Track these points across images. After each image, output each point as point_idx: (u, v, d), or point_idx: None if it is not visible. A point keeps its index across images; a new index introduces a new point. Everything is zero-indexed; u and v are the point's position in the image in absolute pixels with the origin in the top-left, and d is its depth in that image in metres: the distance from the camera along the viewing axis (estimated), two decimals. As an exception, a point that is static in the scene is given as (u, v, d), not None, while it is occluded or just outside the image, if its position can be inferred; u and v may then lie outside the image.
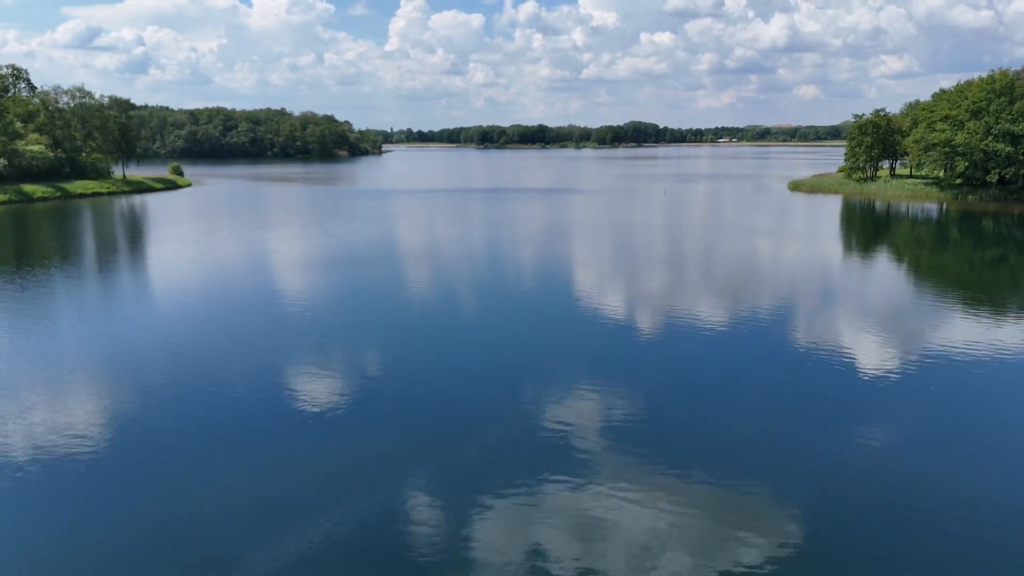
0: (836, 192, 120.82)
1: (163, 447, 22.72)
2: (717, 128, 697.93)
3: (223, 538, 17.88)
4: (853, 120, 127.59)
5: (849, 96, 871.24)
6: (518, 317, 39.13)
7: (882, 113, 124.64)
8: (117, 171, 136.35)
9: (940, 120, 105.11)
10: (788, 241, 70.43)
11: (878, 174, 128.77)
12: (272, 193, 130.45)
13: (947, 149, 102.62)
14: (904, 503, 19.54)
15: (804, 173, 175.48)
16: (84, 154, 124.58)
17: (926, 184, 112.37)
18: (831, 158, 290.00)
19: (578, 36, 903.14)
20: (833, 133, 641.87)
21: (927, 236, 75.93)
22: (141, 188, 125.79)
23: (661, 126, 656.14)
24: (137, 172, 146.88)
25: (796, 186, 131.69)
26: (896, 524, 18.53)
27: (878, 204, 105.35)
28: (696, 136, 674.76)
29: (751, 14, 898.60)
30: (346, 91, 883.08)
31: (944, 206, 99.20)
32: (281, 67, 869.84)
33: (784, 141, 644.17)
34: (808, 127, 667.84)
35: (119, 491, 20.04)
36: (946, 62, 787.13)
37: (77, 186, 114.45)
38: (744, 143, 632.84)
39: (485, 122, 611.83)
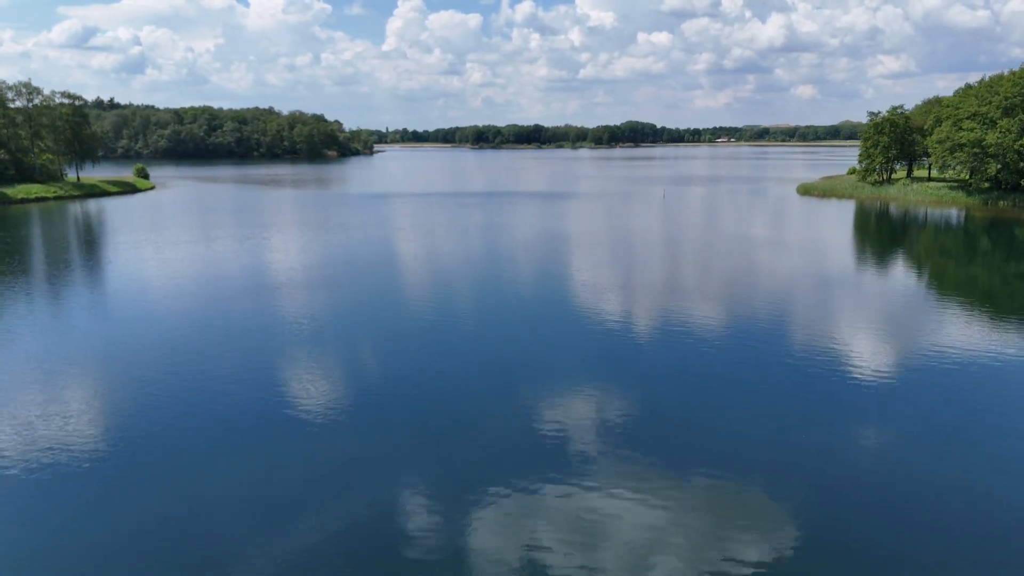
0: (850, 196, 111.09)
1: (161, 449, 22.73)
2: (715, 128, 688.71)
3: (222, 538, 18.00)
4: (868, 118, 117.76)
5: (847, 96, 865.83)
6: (515, 325, 37.62)
7: (899, 111, 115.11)
8: (72, 174, 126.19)
9: (968, 118, 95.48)
10: (804, 252, 61.89)
11: (894, 177, 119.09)
12: (241, 197, 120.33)
13: (976, 150, 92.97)
14: (904, 503, 19.59)
15: (809, 175, 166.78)
16: (31, 155, 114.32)
17: (950, 188, 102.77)
18: (833, 158, 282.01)
19: (575, 36, 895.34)
20: (832, 133, 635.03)
21: (954, 245, 67.73)
22: (93, 192, 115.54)
23: (659, 126, 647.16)
24: (96, 174, 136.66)
25: (806, 190, 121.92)
26: (896, 524, 18.57)
27: (898, 210, 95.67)
28: (694, 136, 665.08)
29: (748, 14, 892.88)
30: (343, 91, 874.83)
31: (963, 213, 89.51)
32: (278, 67, 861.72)
33: (783, 141, 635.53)
34: (807, 127, 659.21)
35: (116, 493, 20.05)
36: (943, 62, 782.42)
37: (19, 190, 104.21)
38: (742, 143, 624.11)
39: (483, 122, 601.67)
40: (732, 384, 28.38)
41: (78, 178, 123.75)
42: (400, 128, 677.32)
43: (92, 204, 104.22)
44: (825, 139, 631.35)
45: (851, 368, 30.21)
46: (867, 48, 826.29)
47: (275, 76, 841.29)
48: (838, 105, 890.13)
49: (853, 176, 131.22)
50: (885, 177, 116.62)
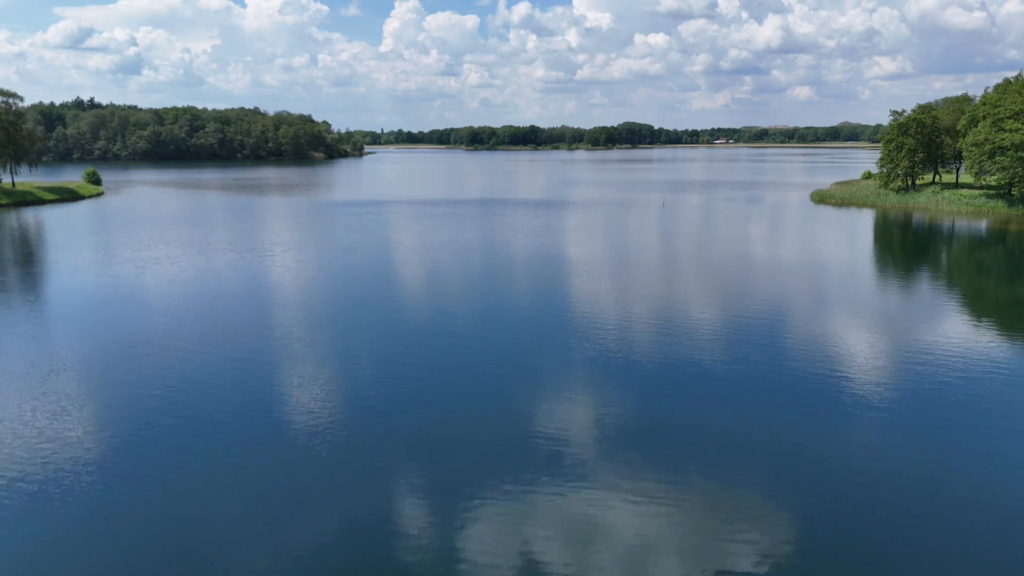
0: (872, 205, 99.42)
1: (159, 454, 22.86)
2: (713, 129, 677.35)
3: (218, 541, 18.17)
4: (891, 118, 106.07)
5: (843, 98, 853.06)
6: (509, 353, 34.22)
7: (927, 110, 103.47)
8: (7, 178, 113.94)
9: (1010, 117, 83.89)
10: (832, 272, 51.52)
11: (918, 183, 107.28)
12: (196, 205, 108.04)
13: (1022, 153, 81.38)
14: (903, 504, 19.81)
15: (819, 180, 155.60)
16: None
17: (988, 196, 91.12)
18: (837, 161, 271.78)
19: (572, 37, 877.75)
20: (832, 134, 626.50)
21: (995, 263, 57.26)
22: (25, 200, 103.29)
23: (656, 127, 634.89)
24: (56, 178, 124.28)
25: (821, 197, 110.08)
26: (895, 525, 18.81)
27: (930, 221, 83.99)
28: (692, 137, 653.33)
29: (745, 15, 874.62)
30: (340, 92, 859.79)
31: (1005, 225, 77.80)
32: (275, 68, 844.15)
33: (782, 143, 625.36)
34: (807, 128, 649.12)
35: (113, 500, 20.14)
36: (939, 63, 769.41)
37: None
38: (741, 144, 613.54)
39: (481, 123, 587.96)
40: (735, 390, 28.44)
41: (13, 184, 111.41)
42: (395, 129, 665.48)
43: (16, 215, 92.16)
44: (825, 140, 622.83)
45: (866, 384, 29.27)
46: (863, 49, 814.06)
47: (272, 77, 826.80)
48: (835, 106, 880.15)
49: (872, 182, 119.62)
50: (909, 183, 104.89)
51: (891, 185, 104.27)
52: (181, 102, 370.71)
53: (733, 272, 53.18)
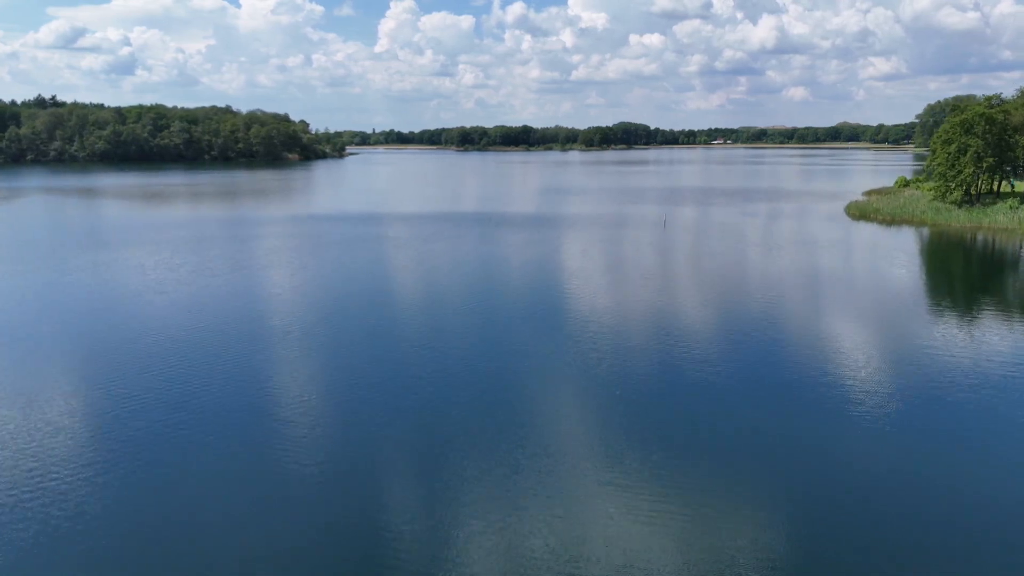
0: (931, 224, 78.47)
1: (156, 455, 22.75)
2: (711, 129, 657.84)
3: (214, 542, 18.16)
4: (949, 113, 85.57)
5: (838, 98, 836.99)
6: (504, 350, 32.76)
7: (995, 103, 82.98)
8: None
9: None
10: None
11: (973, 192, 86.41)
12: (76, 222, 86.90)
13: None
14: (904, 505, 19.67)
15: (839, 186, 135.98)
16: None
17: (1088, 215, 70.50)
18: (844, 163, 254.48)
19: (567, 37, 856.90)
20: (832, 135, 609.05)
21: None
22: None
23: (652, 127, 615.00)
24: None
25: (860, 212, 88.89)
26: (897, 525, 18.63)
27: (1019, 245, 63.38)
28: (689, 138, 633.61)
29: (739, 16, 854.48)
30: (335, 93, 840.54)
31: None
32: (269, 68, 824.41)
33: (781, 143, 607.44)
34: (806, 128, 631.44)
35: (107, 500, 20.03)
36: (933, 64, 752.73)
37: None
38: (739, 145, 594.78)
39: (476, 124, 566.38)
40: (734, 394, 27.95)
41: None
42: (388, 130, 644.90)
43: None
44: (825, 141, 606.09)
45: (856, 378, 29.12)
46: (858, 50, 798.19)
47: (266, 77, 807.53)
48: (830, 107, 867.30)
49: (916, 191, 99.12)
50: (974, 194, 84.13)
51: (950, 197, 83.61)
52: (175, 102, 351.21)
53: (777, 328, 32.36)
